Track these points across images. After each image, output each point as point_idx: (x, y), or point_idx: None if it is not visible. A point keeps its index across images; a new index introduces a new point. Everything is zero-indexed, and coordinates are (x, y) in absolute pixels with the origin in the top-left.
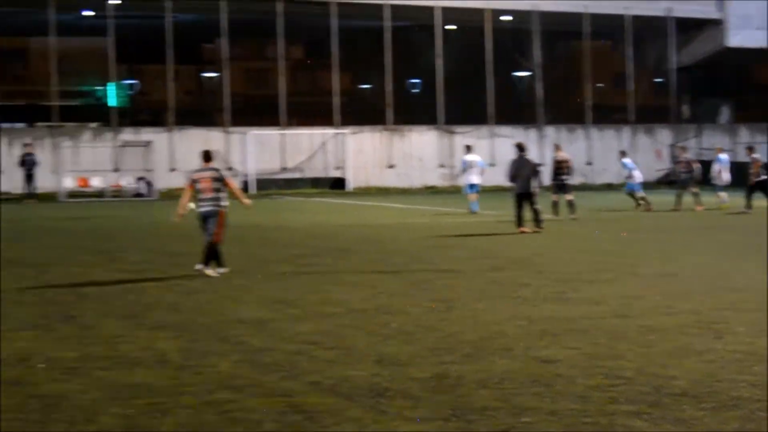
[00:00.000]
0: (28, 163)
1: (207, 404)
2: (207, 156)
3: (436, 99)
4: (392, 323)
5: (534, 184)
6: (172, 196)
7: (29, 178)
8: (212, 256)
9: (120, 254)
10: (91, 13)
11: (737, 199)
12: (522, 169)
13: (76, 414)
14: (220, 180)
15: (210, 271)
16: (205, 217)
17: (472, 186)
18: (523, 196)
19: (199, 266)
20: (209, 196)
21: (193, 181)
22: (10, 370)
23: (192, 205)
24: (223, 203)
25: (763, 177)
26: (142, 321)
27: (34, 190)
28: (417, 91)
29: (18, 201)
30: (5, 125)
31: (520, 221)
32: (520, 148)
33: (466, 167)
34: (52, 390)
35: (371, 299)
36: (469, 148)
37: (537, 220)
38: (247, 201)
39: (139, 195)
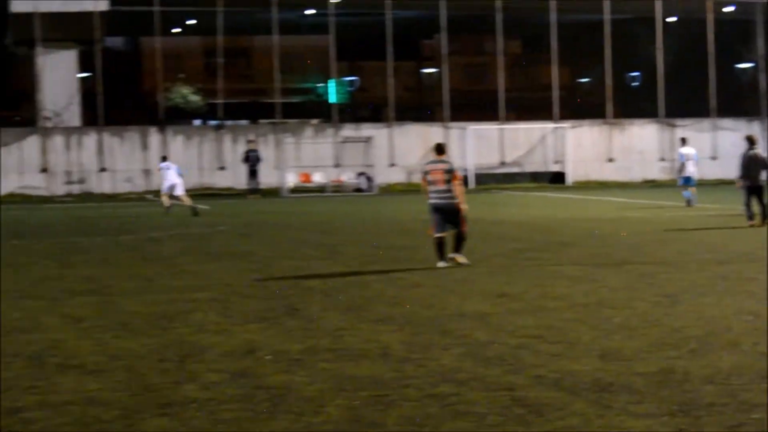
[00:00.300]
0: (251, 159)
1: (430, 397)
2: (439, 149)
3: (656, 92)
4: (615, 318)
5: (762, 178)
6: (391, 191)
7: (253, 173)
8: (458, 243)
9: (341, 248)
10: (313, 12)
11: None
12: (752, 162)
13: (302, 405)
14: (451, 172)
15: (461, 259)
16: (436, 209)
17: (687, 179)
18: (752, 190)
19: (450, 255)
20: (440, 188)
21: (425, 173)
22: (238, 362)
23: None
24: (454, 196)
25: None
26: (365, 314)
27: (258, 185)
28: (637, 84)
29: (242, 196)
30: (230, 122)
31: (750, 214)
32: (751, 141)
33: (684, 160)
34: (278, 381)
35: (593, 293)
36: (684, 141)
37: (765, 214)
38: (464, 206)
39: (359, 190)
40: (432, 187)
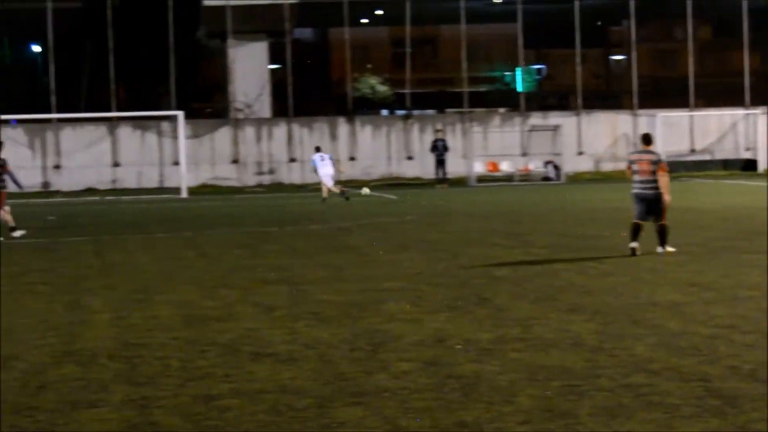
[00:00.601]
0: (439, 149)
1: (623, 387)
2: (646, 139)
3: None
4: None
5: None
6: (579, 180)
7: (440, 163)
8: (662, 237)
9: (530, 237)
10: (501, 0)
11: None
12: None
13: (493, 395)
14: (657, 163)
15: (669, 249)
16: (639, 199)
17: None
18: None
19: (659, 249)
20: (645, 178)
21: (631, 163)
22: (428, 351)
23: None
24: (658, 186)
25: None
26: (555, 303)
27: (445, 175)
28: None
29: (429, 186)
30: (417, 112)
31: None
32: None
33: None
34: (469, 371)
35: None
36: None
37: None
38: (668, 197)
39: (546, 179)
40: (637, 177)
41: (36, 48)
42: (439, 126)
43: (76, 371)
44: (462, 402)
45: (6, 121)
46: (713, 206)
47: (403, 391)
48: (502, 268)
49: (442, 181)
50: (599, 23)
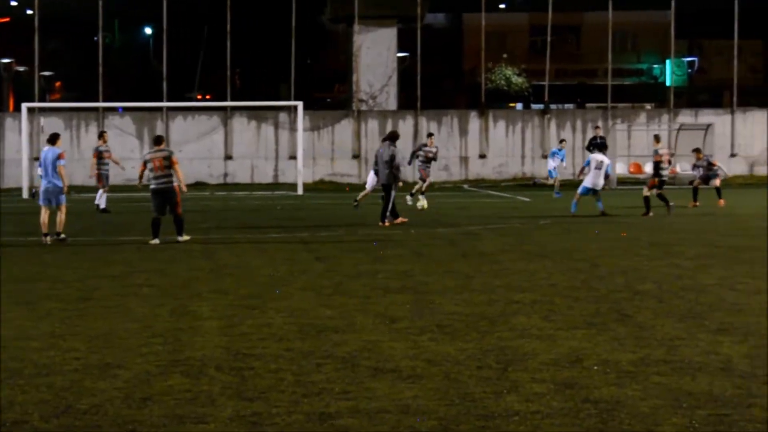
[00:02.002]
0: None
1: None
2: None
3: None
4: None
5: None
6: (731, 184)
7: None
8: None
9: (676, 248)
10: None
11: None
12: None
13: (634, 422)
14: None
15: None
16: None
17: None
18: None
19: None
20: None
21: None
22: (564, 372)
23: None
24: None
25: None
26: (704, 322)
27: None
28: None
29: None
30: (555, 106)
31: None
32: None
33: None
34: (607, 395)
35: None
36: None
37: None
38: None
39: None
40: None
41: (148, 31)
42: (599, 123)
43: (183, 383)
44: (599, 429)
45: (113, 109)
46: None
47: (535, 415)
48: (646, 282)
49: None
50: (761, 11)
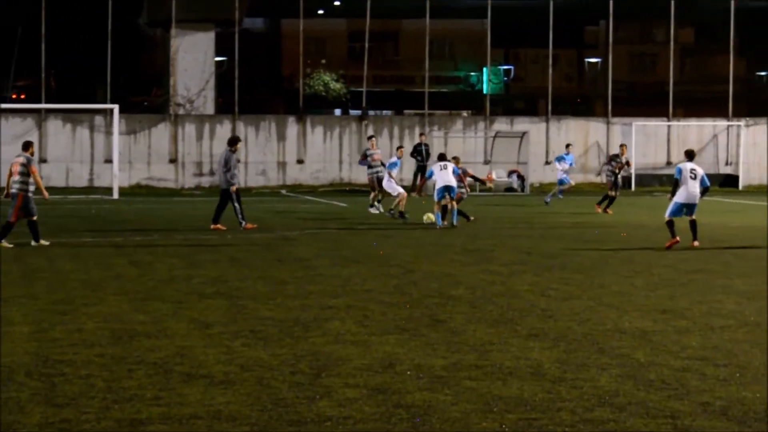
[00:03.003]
0: (421, 154)
1: (585, 422)
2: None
3: None
4: None
5: None
6: (545, 191)
7: (420, 169)
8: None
9: (490, 253)
10: None
11: None
12: None
13: (445, 427)
14: None
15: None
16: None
17: None
18: None
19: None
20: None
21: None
22: (377, 377)
23: None
24: None
25: None
26: (515, 328)
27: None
28: None
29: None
30: (373, 113)
31: None
32: None
33: None
34: (419, 400)
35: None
36: None
37: None
38: None
39: (510, 189)
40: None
41: None
42: (424, 130)
43: None
44: None
45: None
46: (687, 225)
47: (347, 420)
48: (459, 287)
49: (420, 189)
50: (574, 22)
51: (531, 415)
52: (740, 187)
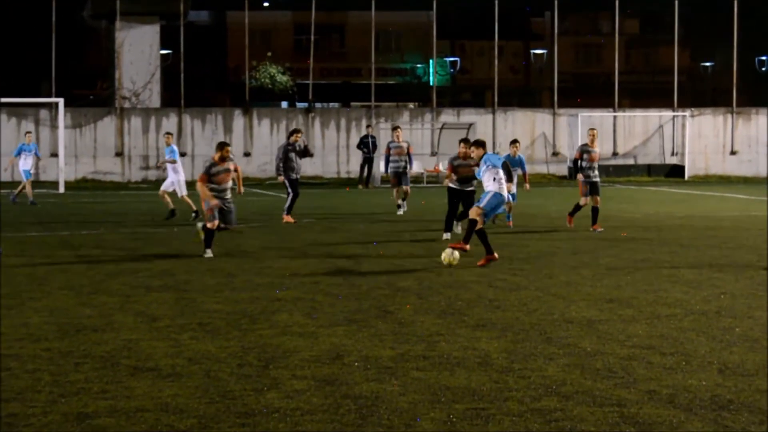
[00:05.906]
0: (368, 146)
1: (533, 412)
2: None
3: None
4: (736, 328)
5: None
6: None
7: (367, 161)
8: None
9: (438, 245)
10: None
11: None
12: None
13: (393, 418)
14: None
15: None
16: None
17: None
18: None
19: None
20: None
21: None
22: (324, 368)
23: None
24: None
25: None
26: (463, 318)
27: (370, 174)
28: (766, 69)
29: (332, 186)
30: (319, 105)
31: None
32: None
33: None
34: (367, 391)
35: (713, 300)
36: None
37: None
38: None
39: None
40: None
41: None
42: (371, 122)
43: None
44: (359, 425)
45: None
46: (634, 215)
47: (295, 412)
48: (407, 278)
49: (367, 181)
50: (520, 13)
51: (478, 405)
52: (686, 177)
